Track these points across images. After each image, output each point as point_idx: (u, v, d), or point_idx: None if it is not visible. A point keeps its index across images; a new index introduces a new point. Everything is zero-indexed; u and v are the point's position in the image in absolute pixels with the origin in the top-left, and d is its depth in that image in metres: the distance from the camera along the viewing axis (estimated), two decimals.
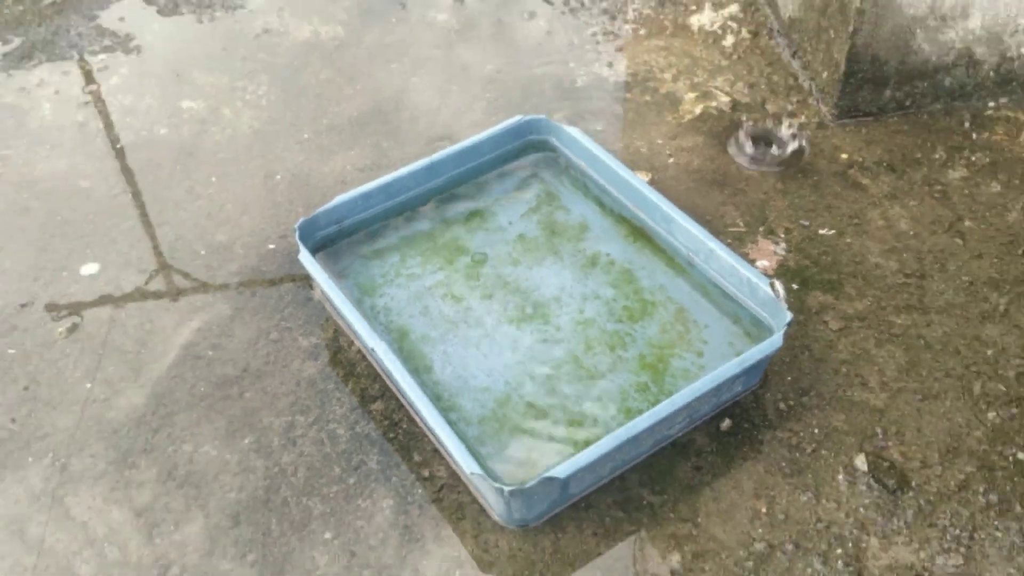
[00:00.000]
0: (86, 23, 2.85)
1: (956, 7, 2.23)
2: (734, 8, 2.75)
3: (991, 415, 1.81)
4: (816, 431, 1.80)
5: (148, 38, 2.79)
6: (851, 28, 2.22)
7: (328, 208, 2.06)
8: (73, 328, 2.04)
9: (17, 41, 2.79)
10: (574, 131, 2.20)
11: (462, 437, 1.69)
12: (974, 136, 2.34)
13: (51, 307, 2.08)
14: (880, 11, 2.20)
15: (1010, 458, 1.75)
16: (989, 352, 1.91)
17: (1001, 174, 2.25)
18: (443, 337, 1.93)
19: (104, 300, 2.09)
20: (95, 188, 2.34)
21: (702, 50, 2.64)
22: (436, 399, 1.80)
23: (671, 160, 2.33)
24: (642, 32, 2.70)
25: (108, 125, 2.51)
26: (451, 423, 1.71)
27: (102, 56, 2.73)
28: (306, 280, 2.09)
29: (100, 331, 2.02)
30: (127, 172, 2.38)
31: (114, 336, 2.01)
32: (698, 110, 2.46)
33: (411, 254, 2.09)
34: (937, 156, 2.30)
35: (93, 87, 2.63)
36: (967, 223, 2.15)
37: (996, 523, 1.67)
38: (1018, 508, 1.68)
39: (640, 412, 1.70)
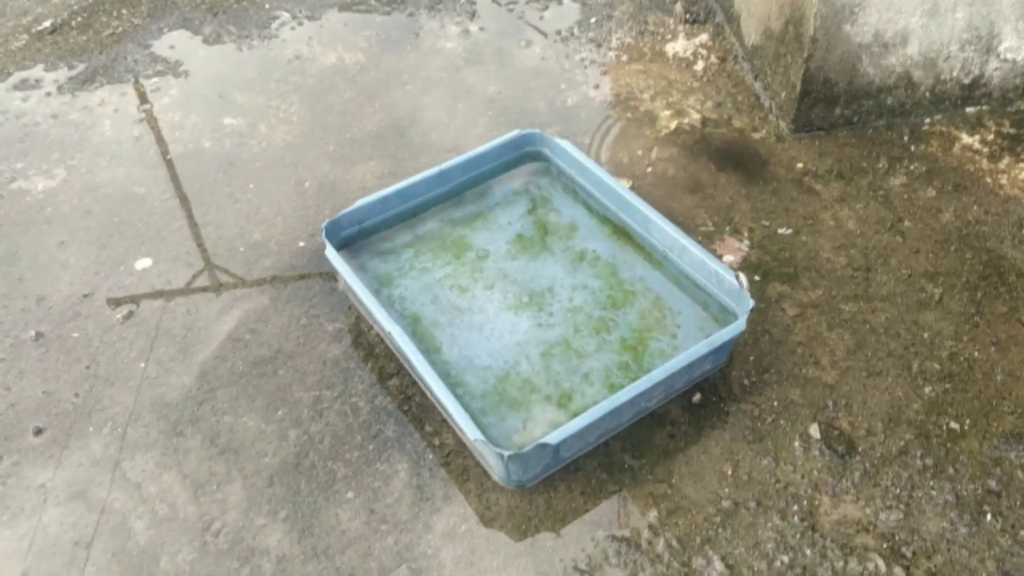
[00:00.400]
0: (141, 51, 2.82)
1: (897, 36, 2.21)
2: (704, 37, 2.72)
3: (927, 390, 1.80)
4: (775, 403, 1.78)
5: (195, 64, 2.76)
6: (806, 54, 2.20)
7: (350, 210, 2.04)
8: (129, 315, 2.02)
9: (81, 66, 2.77)
10: (565, 143, 2.17)
11: (467, 409, 1.67)
12: (912, 148, 2.32)
13: (110, 297, 2.06)
14: (831, 39, 2.18)
15: (943, 427, 1.73)
16: (925, 335, 1.89)
17: (935, 181, 2.23)
18: (451, 322, 1.91)
19: (156, 291, 2.07)
20: (148, 193, 2.32)
21: (676, 74, 2.61)
22: (445, 376, 1.78)
23: (649, 169, 2.31)
24: (624, 58, 2.68)
25: (160, 139, 2.49)
26: (458, 397, 1.69)
27: (155, 79, 2.70)
28: (331, 274, 2.07)
29: (153, 318, 2.01)
30: (176, 180, 2.36)
31: (165, 322, 2.00)
32: (673, 126, 2.43)
33: (423, 250, 2.07)
34: (880, 165, 2.28)
35: (147, 106, 2.60)
36: (906, 223, 2.13)
37: (931, 483, 1.65)
38: (950, 470, 1.67)
39: (622, 387, 1.68)
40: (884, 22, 2.17)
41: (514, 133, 2.21)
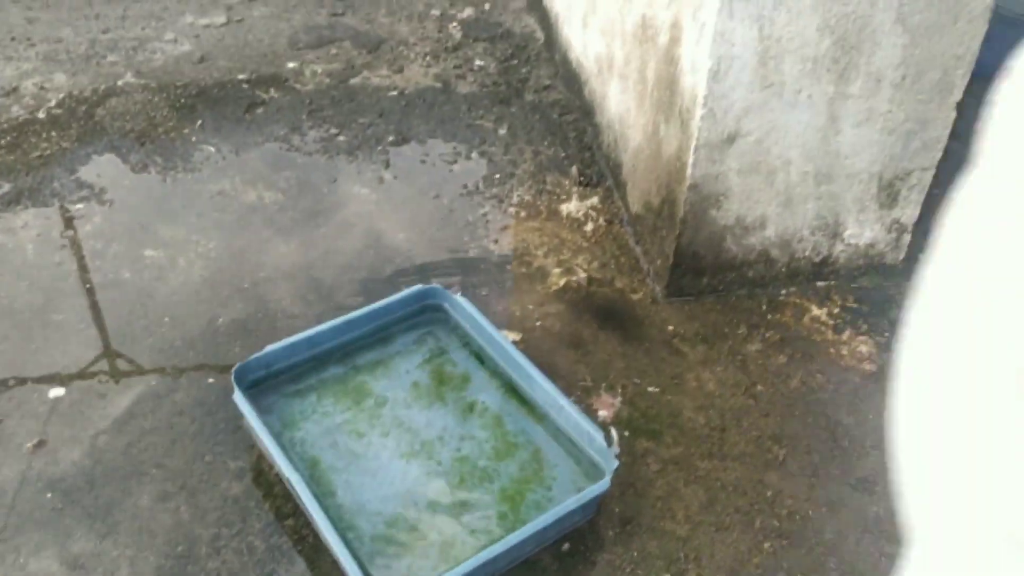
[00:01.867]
0: (67, 175, 2.96)
1: (756, 221, 2.53)
2: (595, 200, 3.02)
3: (766, 545, 2.04)
4: (635, 554, 1.99)
5: (119, 192, 2.91)
6: (677, 232, 2.50)
7: (259, 356, 2.20)
8: (40, 444, 2.12)
9: (7, 187, 2.89)
10: (462, 299, 2.40)
11: (357, 553, 1.83)
12: (769, 317, 2.63)
13: (21, 425, 2.16)
14: (699, 221, 2.49)
15: None
16: (769, 494, 2.15)
17: (787, 348, 2.53)
18: (347, 467, 2.08)
19: (66, 421, 2.18)
20: (66, 321, 2.44)
21: (568, 233, 2.89)
22: (338, 520, 1.94)
23: (538, 323, 2.55)
24: (522, 215, 2.95)
25: (81, 267, 2.62)
26: (348, 541, 1.84)
27: (79, 205, 2.84)
28: (238, 412, 2.22)
29: (63, 449, 2.11)
30: (95, 309, 2.48)
31: (73, 455, 2.10)
32: (562, 283, 2.69)
33: (326, 394, 2.24)
34: (740, 331, 2.57)
35: (70, 232, 2.74)
36: (759, 387, 2.41)
37: None
38: None
39: (501, 537, 1.87)
40: (745, 209, 2.49)
41: (416, 288, 2.42)
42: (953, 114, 2.42)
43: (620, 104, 2.93)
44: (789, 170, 2.44)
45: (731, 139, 2.33)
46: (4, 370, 2.29)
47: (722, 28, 2.11)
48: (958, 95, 2.39)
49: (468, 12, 4.10)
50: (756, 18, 2.11)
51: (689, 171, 2.38)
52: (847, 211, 2.59)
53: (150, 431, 2.17)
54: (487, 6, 4.17)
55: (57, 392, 2.25)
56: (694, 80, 2.26)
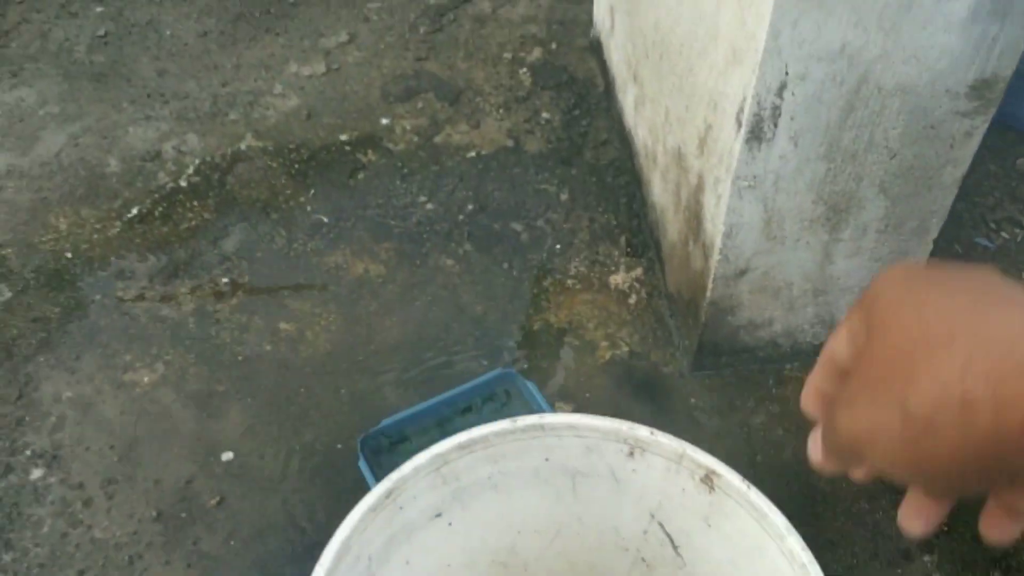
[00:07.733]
0: (211, 248, 3.69)
1: (765, 321, 3.16)
2: (639, 271, 3.65)
3: None
4: None
5: (255, 265, 3.63)
6: (700, 331, 3.15)
7: (377, 428, 2.97)
8: (220, 501, 2.95)
9: (165, 259, 3.64)
10: (530, 384, 3.12)
11: None
12: (774, 391, 3.29)
13: (205, 486, 2.99)
14: (717, 324, 3.13)
15: None
16: None
17: (785, 421, 3.21)
18: None
19: (239, 480, 3.00)
20: (227, 392, 3.23)
21: (615, 306, 3.55)
22: None
23: (587, 395, 3.26)
24: (578, 287, 3.61)
25: (232, 340, 3.39)
26: None
27: (224, 279, 3.58)
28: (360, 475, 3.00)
29: (237, 504, 2.94)
30: (247, 380, 3.27)
31: (244, 508, 2.93)
32: (607, 356, 3.38)
33: None
34: (749, 405, 3.25)
35: (220, 306, 3.50)
36: (759, 457, 3.11)
37: None
38: None
39: None
40: (755, 315, 3.12)
41: (495, 372, 3.14)
42: (931, 247, 2.99)
43: (661, 198, 3.53)
44: (792, 289, 3.06)
45: (742, 273, 2.95)
46: (187, 435, 3.10)
47: (733, 206, 2.71)
48: (934, 233, 2.95)
49: (536, 54, 4.64)
50: (761, 199, 2.70)
51: (708, 293, 3.01)
52: (841, 311, 3.19)
53: (283, 490, 2.97)
54: (554, 45, 4.69)
55: (228, 455, 3.07)
56: (713, 230, 2.87)
